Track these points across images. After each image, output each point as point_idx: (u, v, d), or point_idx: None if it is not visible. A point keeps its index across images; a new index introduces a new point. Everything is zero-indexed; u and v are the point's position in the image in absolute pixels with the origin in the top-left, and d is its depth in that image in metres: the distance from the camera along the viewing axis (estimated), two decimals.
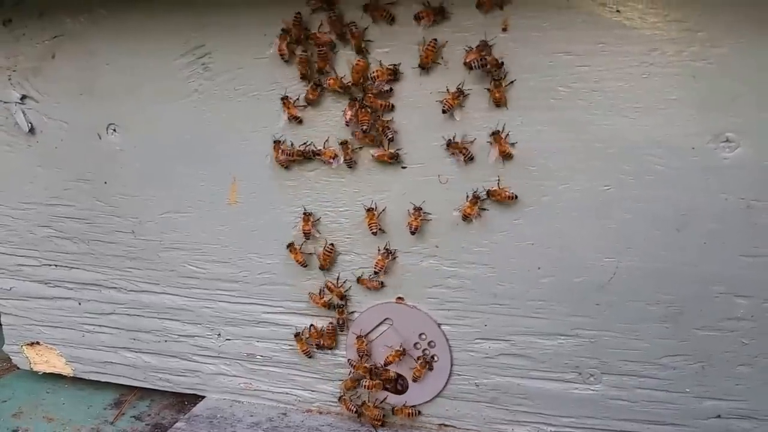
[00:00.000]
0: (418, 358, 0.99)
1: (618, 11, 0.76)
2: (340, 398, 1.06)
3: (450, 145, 0.87)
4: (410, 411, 1.03)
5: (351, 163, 0.92)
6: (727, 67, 0.75)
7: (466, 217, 0.88)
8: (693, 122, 0.77)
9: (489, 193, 0.87)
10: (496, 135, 0.84)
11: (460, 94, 0.84)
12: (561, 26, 0.78)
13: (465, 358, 0.99)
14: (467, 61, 0.81)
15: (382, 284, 0.98)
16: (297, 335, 1.05)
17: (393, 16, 0.84)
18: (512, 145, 0.84)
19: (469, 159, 0.87)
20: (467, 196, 0.88)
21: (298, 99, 0.92)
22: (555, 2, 0.78)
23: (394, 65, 0.85)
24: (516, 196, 0.86)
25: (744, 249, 0.81)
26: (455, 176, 0.89)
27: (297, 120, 0.92)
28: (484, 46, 0.80)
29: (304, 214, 0.96)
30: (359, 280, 0.99)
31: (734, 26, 0.73)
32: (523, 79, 0.82)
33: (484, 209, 0.89)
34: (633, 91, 0.78)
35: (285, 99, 0.92)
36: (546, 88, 0.81)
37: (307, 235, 0.97)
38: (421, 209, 0.91)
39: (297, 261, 1.00)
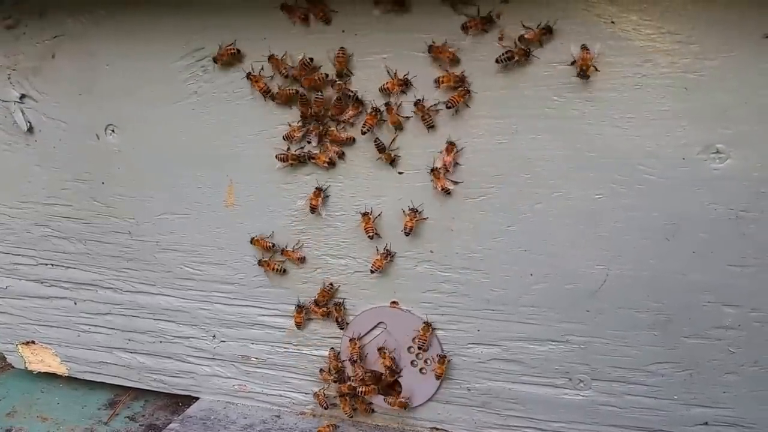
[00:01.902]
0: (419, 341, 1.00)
1: (612, 23, 0.77)
2: (315, 394, 1.07)
3: (417, 105, 0.87)
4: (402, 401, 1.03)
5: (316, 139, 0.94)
6: (719, 79, 0.76)
7: (444, 190, 0.89)
8: (684, 133, 0.79)
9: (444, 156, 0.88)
10: (433, 47, 0.82)
11: (467, 93, 0.84)
12: (557, 36, 0.79)
13: (457, 362, 1.00)
14: (527, 36, 0.79)
15: (304, 259, 1.01)
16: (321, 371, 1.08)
17: (329, 18, 0.86)
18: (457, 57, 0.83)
19: (431, 126, 0.87)
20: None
21: (262, 69, 0.92)
22: (550, 13, 0.79)
23: (405, 76, 0.86)
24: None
25: (732, 259, 0.82)
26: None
27: (268, 93, 0.92)
28: (548, 31, 0.79)
29: (317, 189, 0.95)
30: (283, 251, 1.01)
31: (726, 40, 0.74)
32: (519, 87, 0.83)
33: (457, 182, 0.89)
34: (625, 102, 0.79)
35: (249, 75, 0.92)
36: (540, 97, 0.82)
37: (314, 209, 0.96)
38: (416, 210, 0.92)
39: (296, 323, 1.04)
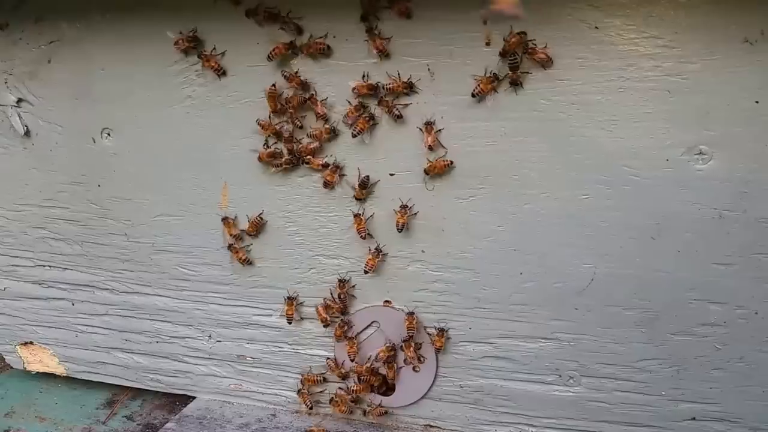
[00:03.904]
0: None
1: (596, 28, 0.79)
2: (298, 392, 1.09)
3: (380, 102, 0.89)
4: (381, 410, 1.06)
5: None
6: (701, 82, 0.77)
7: (431, 148, 0.89)
8: (668, 135, 0.80)
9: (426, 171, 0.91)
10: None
11: (495, 80, 0.83)
12: (543, 41, 0.81)
13: (450, 360, 1.02)
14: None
15: (249, 262, 1.04)
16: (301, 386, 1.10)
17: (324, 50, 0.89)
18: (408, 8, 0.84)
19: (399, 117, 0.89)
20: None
21: (215, 49, 0.94)
22: (536, 18, 0.80)
23: (409, 79, 0.87)
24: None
25: (717, 257, 0.84)
26: (441, 183, 0.92)
27: (220, 72, 0.94)
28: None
29: (334, 165, 0.94)
30: (230, 246, 1.04)
31: (708, 44, 0.76)
32: (507, 91, 0.85)
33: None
34: (610, 105, 0.81)
35: (202, 54, 0.94)
36: (528, 100, 0.84)
37: (328, 185, 0.96)
38: (407, 207, 0.93)
39: (288, 315, 1.05)
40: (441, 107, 0.88)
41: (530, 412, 1.00)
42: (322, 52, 0.89)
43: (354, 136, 0.92)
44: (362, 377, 1.04)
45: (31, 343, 1.28)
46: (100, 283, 1.17)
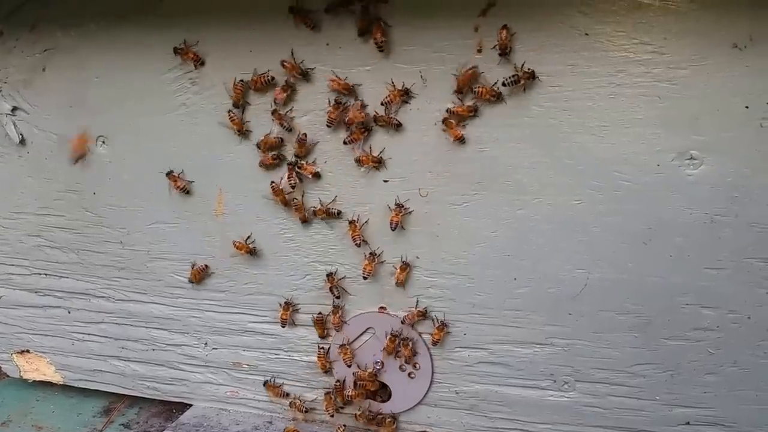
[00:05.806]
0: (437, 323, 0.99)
1: (587, 34, 0.79)
2: (291, 403, 1.10)
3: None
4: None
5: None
6: (691, 88, 0.78)
7: (458, 139, 0.87)
8: (658, 140, 0.81)
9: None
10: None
11: (498, 96, 0.83)
12: (533, 48, 0.82)
13: (445, 366, 1.02)
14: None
15: (187, 191, 1.03)
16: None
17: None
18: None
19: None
20: None
21: (185, 41, 0.94)
22: (527, 25, 0.81)
23: (404, 86, 0.87)
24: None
25: (709, 262, 0.84)
26: (435, 189, 0.92)
27: (198, 62, 0.95)
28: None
29: (375, 156, 0.92)
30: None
31: (697, 50, 0.77)
32: (500, 96, 0.85)
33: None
34: (601, 111, 0.81)
35: (176, 49, 0.94)
36: (520, 106, 0.85)
37: (360, 163, 0.93)
38: (402, 206, 0.93)
39: (281, 319, 1.05)
40: (434, 114, 0.88)
41: (526, 417, 1.00)
42: (267, 84, 0.92)
43: (345, 143, 0.92)
44: (359, 382, 1.04)
45: (28, 351, 1.27)
46: (96, 291, 1.17)
